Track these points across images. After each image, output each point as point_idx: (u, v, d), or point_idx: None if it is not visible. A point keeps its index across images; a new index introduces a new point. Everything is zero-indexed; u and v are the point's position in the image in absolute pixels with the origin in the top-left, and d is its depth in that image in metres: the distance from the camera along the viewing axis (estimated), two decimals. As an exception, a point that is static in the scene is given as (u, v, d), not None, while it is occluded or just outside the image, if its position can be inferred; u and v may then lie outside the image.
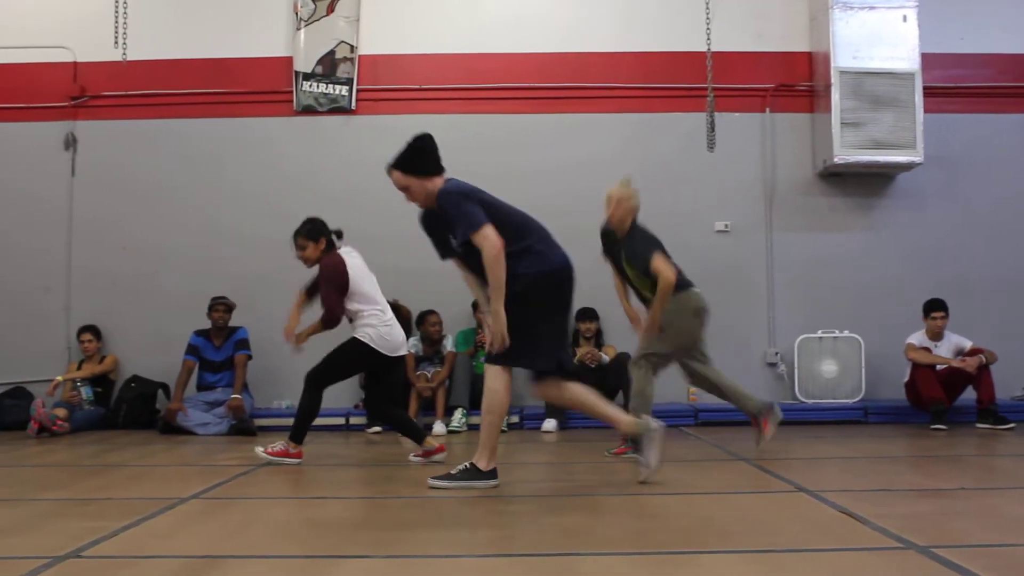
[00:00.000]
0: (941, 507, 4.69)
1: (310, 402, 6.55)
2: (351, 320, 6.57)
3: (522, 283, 5.13)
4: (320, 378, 6.57)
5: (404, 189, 5.38)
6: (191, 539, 4.06)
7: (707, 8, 9.04)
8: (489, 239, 5.04)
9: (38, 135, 9.91)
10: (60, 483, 5.87)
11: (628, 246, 6.90)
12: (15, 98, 9.91)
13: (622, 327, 9.46)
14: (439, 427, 8.53)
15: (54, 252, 9.81)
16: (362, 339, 6.50)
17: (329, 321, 6.50)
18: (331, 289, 6.46)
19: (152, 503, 4.88)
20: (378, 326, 6.54)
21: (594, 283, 9.47)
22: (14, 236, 9.84)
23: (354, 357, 6.59)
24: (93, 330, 9.47)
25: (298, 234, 6.70)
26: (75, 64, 9.89)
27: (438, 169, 5.41)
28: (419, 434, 6.64)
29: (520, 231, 5.25)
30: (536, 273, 5.16)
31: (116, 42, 8.80)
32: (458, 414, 8.64)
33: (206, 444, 7.78)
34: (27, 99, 9.91)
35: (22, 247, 9.84)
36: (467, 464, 5.29)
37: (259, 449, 6.49)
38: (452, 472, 5.29)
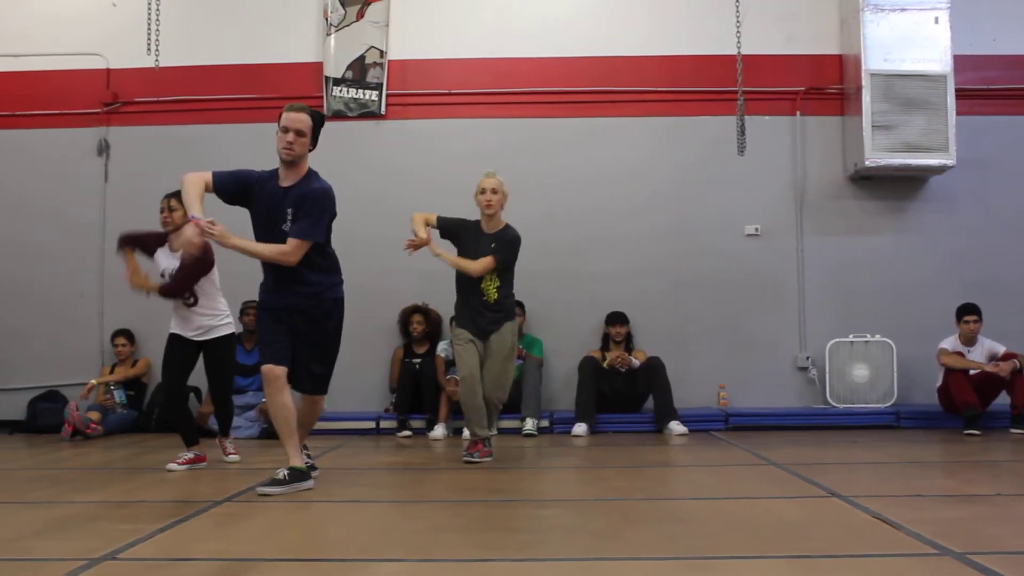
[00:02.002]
0: (976, 513, 4.65)
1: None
2: (194, 304, 6.74)
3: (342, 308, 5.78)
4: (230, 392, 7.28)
5: (299, 134, 5.41)
6: (225, 542, 4.08)
7: (736, 11, 8.99)
8: (297, 256, 5.41)
9: (72, 141, 10.01)
10: (94, 486, 5.91)
11: (501, 239, 6.83)
12: (49, 105, 10.02)
13: (652, 331, 9.49)
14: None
15: (88, 257, 9.88)
16: (232, 332, 6.99)
17: (173, 294, 6.69)
18: (197, 269, 6.57)
19: (186, 506, 4.93)
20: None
21: (625, 287, 9.55)
22: (48, 241, 9.94)
23: None
24: (127, 334, 9.55)
25: (176, 198, 6.70)
26: (108, 71, 10.00)
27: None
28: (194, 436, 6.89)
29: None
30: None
31: (149, 49, 8.84)
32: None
33: (237, 447, 7.82)
34: (61, 106, 10.01)
35: (56, 252, 9.93)
36: (288, 470, 5.40)
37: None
38: (279, 478, 5.36)
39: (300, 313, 5.57)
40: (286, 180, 5.49)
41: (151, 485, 5.85)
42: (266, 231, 5.49)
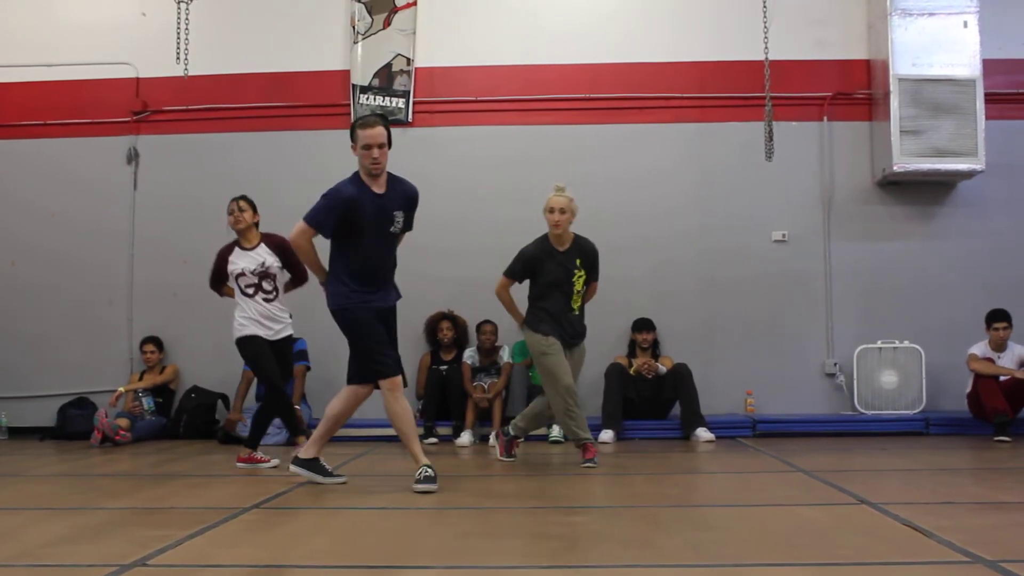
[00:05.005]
0: (1008, 520, 4.61)
1: None
2: (275, 299, 7.17)
3: None
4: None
5: (381, 147, 5.68)
6: (254, 548, 4.10)
7: (764, 17, 8.95)
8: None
9: (101, 150, 10.08)
10: (124, 492, 5.96)
11: (585, 254, 7.01)
12: (80, 113, 10.12)
13: (678, 337, 9.47)
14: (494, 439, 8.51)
15: (117, 264, 9.98)
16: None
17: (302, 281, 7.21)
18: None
19: (214, 512, 4.95)
20: None
21: (651, 293, 9.52)
22: (78, 249, 10.01)
23: None
24: (155, 341, 9.61)
25: (245, 199, 7.11)
26: (138, 80, 10.08)
27: None
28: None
29: None
30: None
31: (178, 58, 8.92)
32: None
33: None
34: (91, 115, 10.10)
35: (86, 260, 10.02)
36: (431, 467, 5.67)
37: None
38: (431, 475, 5.60)
39: (392, 310, 5.96)
40: (377, 187, 5.76)
41: (180, 491, 5.88)
42: (377, 238, 5.76)
